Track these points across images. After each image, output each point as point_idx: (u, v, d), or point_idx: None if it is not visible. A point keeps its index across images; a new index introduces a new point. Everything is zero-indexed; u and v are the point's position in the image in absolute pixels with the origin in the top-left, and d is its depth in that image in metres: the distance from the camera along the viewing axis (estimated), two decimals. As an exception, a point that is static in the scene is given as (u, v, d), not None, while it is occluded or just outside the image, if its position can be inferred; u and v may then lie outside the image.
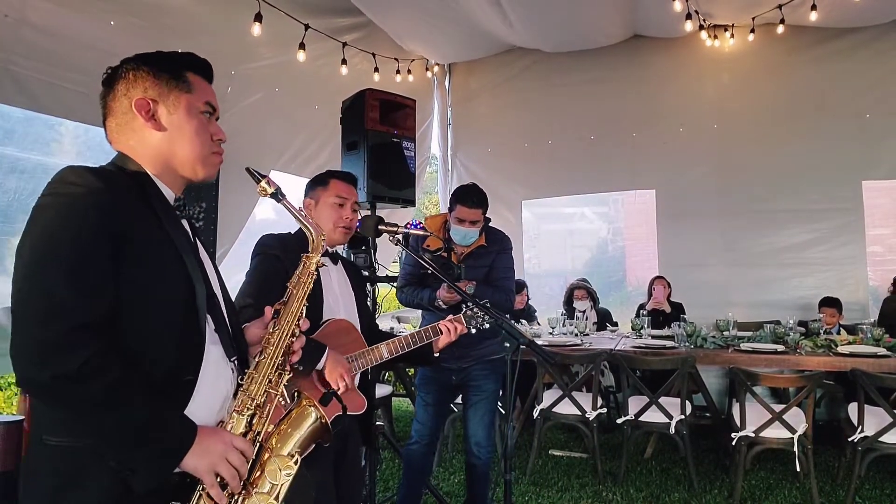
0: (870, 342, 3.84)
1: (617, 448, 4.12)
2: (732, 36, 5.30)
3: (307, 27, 4.57)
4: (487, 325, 2.37)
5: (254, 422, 1.17)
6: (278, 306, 1.29)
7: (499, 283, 2.92)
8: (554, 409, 3.85)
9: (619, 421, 3.84)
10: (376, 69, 5.28)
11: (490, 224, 3.06)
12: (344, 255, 2.37)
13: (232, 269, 4.61)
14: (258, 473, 1.15)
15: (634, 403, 3.78)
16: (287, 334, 1.25)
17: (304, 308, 1.30)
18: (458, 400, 3.71)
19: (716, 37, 5.26)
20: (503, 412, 3.93)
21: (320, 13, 4.78)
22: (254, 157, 4.58)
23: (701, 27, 5.10)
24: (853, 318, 4.89)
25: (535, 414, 3.91)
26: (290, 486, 1.15)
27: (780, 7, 4.77)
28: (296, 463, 1.17)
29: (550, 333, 4.64)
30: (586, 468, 4.03)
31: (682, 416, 3.63)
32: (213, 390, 1.17)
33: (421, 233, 2.68)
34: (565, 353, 3.92)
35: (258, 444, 1.17)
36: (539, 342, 4.13)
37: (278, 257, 2.04)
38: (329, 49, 5.02)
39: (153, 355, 1.09)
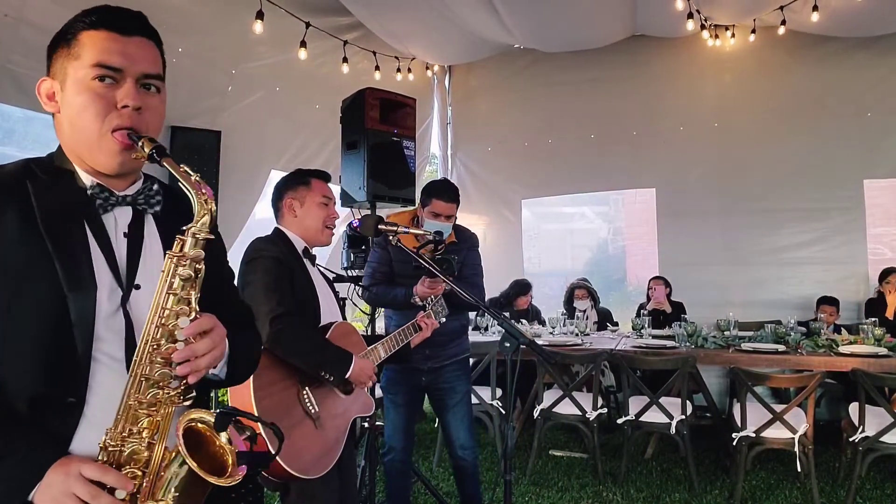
0: (871, 342, 3.83)
1: (617, 448, 4.11)
2: (733, 36, 5.29)
3: (308, 25, 4.56)
4: (444, 319, 2.44)
5: (135, 456, 0.97)
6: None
7: (470, 279, 2.89)
8: (554, 410, 3.84)
9: (619, 421, 3.83)
10: (377, 68, 5.27)
11: (457, 222, 3.04)
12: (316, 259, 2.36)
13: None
14: None
15: (635, 403, 3.77)
16: (148, 342, 0.97)
17: (191, 304, 1.00)
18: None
19: (717, 36, 5.25)
20: (503, 412, 3.93)
21: (321, 12, 4.77)
22: (254, 157, 4.58)
23: (702, 27, 5.08)
24: (854, 318, 4.89)
25: (536, 414, 3.90)
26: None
27: (781, 8, 4.76)
28: None
29: (551, 333, 4.64)
30: (586, 468, 4.02)
31: (683, 417, 3.62)
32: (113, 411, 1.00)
33: (420, 231, 2.68)
34: (566, 352, 3.92)
35: (148, 476, 0.96)
36: (539, 342, 4.13)
37: (278, 258, 2.04)
38: (330, 48, 5.01)
39: (14, 379, 0.96)
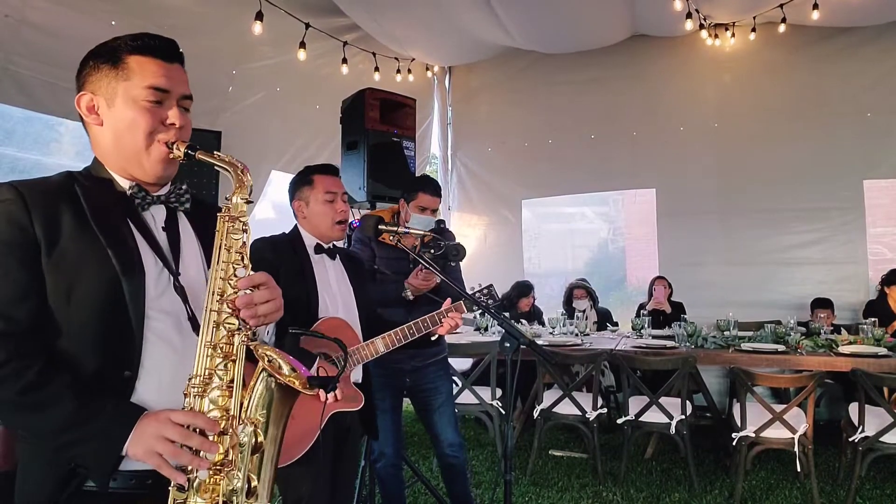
0: (870, 342, 3.83)
1: (617, 448, 4.11)
2: (733, 35, 5.30)
3: (308, 26, 4.56)
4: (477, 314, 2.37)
5: (219, 398, 1.10)
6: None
7: (454, 273, 2.89)
8: (554, 410, 3.84)
9: (619, 421, 3.83)
10: (377, 69, 5.28)
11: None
12: (343, 248, 2.34)
13: (232, 269, 4.61)
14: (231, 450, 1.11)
15: (635, 403, 3.78)
16: (213, 293, 1.12)
17: (244, 259, 1.15)
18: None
19: (716, 36, 5.26)
20: (503, 412, 3.93)
21: (321, 12, 4.77)
22: (254, 157, 4.58)
23: (701, 26, 5.09)
24: (854, 319, 4.89)
25: (536, 414, 3.90)
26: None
27: (781, 6, 4.77)
28: (250, 429, 1.10)
29: (551, 333, 4.64)
30: (586, 468, 4.03)
31: (683, 417, 3.62)
32: (168, 383, 1.13)
33: (421, 232, 2.68)
34: (566, 352, 3.92)
35: (229, 417, 1.09)
36: (539, 342, 4.13)
37: (268, 261, 2.04)
38: (330, 48, 5.02)
39: (79, 355, 1.10)
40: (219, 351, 1.10)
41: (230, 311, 1.11)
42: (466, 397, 3.90)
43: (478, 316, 4.82)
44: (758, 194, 5.42)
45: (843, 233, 5.21)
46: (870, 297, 4.99)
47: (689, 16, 4.64)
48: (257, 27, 4.11)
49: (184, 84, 1.21)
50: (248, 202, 1.18)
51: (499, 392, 4.03)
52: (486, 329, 4.80)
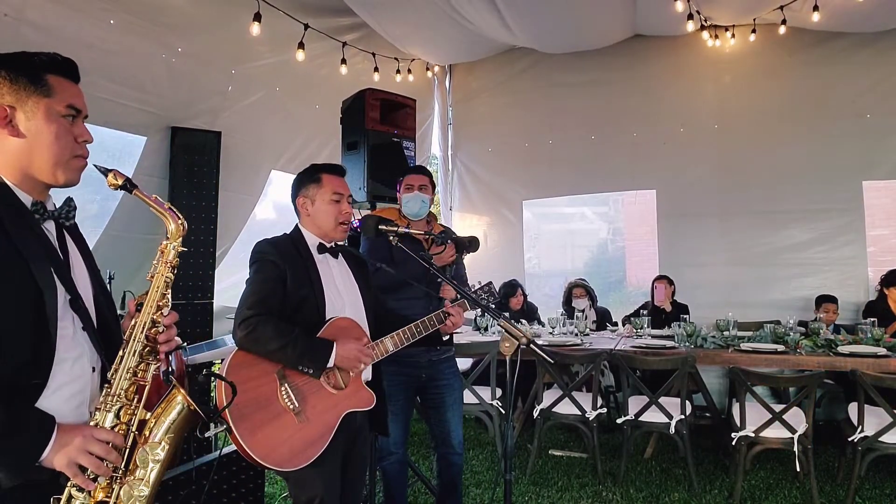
0: (870, 342, 3.83)
1: (617, 448, 4.12)
2: (733, 36, 5.31)
3: (307, 27, 4.57)
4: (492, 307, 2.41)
5: (121, 414, 1.21)
6: (140, 299, 1.29)
7: (458, 268, 2.93)
8: (554, 409, 3.85)
9: (619, 421, 3.84)
10: (376, 69, 5.28)
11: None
12: (346, 246, 2.31)
13: (230, 269, 4.61)
14: (133, 463, 1.21)
15: (634, 403, 3.78)
16: (145, 326, 1.25)
17: (168, 299, 1.30)
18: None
19: (717, 37, 5.27)
20: (503, 412, 3.94)
21: (320, 13, 4.77)
22: (253, 157, 4.58)
23: (702, 27, 5.10)
24: (853, 319, 4.89)
25: (535, 414, 3.90)
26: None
27: (781, 8, 4.77)
28: (163, 450, 1.22)
29: (551, 333, 4.64)
30: (586, 468, 4.03)
31: (682, 416, 3.63)
32: (67, 391, 1.20)
33: (419, 232, 2.69)
34: (565, 352, 3.92)
35: (131, 433, 1.21)
36: (539, 342, 4.13)
37: (276, 263, 2.05)
38: (329, 49, 5.02)
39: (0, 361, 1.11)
40: (129, 377, 1.22)
41: (148, 341, 1.25)
42: (466, 397, 3.89)
43: (478, 315, 4.82)
44: (757, 195, 5.42)
45: (843, 233, 5.22)
46: (869, 297, 4.99)
47: (690, 17, 4.65)
48: (255, 28, 4.09)
49: (85, 104, 1.28)
50: (182, 250, 1.32)
51: (499, 392, 4.03)
52: (486, 329, 4.81)
